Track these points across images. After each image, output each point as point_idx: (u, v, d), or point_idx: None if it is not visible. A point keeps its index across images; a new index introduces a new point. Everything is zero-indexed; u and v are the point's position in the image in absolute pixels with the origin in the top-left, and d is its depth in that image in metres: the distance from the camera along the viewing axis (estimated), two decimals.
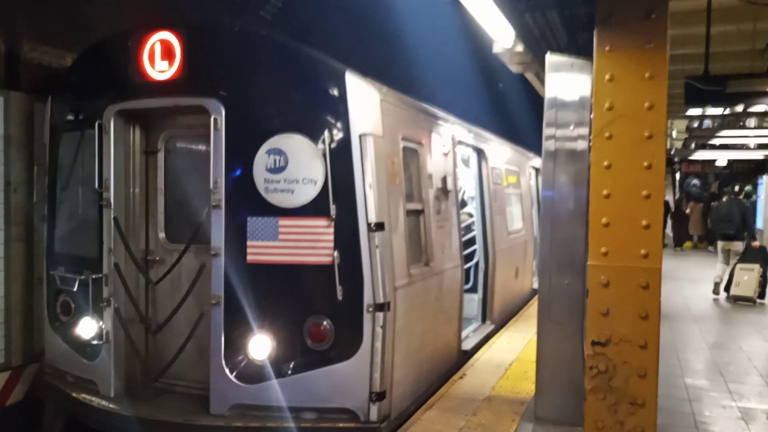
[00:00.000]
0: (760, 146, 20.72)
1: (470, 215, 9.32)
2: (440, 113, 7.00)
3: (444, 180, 6.66)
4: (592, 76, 4.51)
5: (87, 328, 5.51)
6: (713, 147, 20.50)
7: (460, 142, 7.52)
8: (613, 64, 4.38)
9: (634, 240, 4.37)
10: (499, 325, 8.97)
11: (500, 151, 9.72)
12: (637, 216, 4.36)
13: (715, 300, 12.39)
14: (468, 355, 7.39)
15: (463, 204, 9.56)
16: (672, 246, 22.93)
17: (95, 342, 5.47)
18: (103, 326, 5.44)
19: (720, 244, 13.03)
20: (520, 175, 11.19)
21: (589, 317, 4.50)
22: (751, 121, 18.80)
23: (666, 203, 21.84)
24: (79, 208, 5.79)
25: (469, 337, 7.92)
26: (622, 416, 4.45)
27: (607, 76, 4.39)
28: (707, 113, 14.46)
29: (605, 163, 4.41)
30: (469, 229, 9.07)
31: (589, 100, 4.87)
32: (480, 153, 8.60)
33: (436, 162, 6.51)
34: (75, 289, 5.55)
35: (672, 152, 23.63)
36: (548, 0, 5.67)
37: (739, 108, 11.31)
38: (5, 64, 6.38)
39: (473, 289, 8.77)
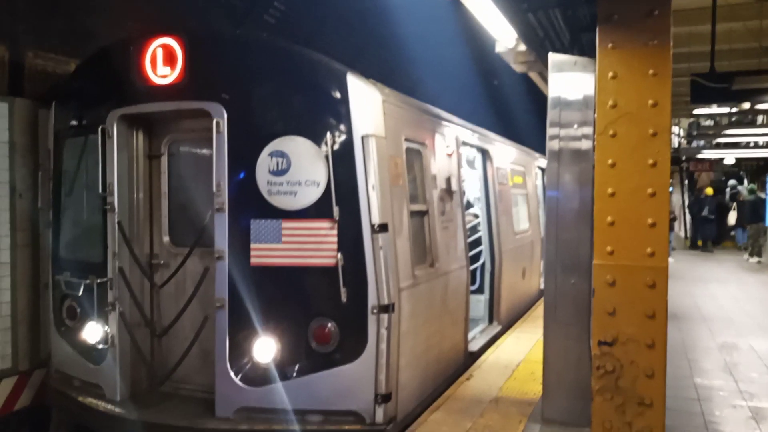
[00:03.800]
0: None
1: (476, 216, 9.28)
2: (443, 114, 6.97)
3: (448, 181, 6.63)
4: (595, 74, 4.47)
5: (92, 332, 5.52)
6: (721, 145, 20.37)
7: (464, 143, 7.50)
8: (616, 62, 4.34)
9: (640, 239, 4.32)
10: (507, 326, 8.93)
11: (505, 152, 9.68)
12: (643, 214, 4.31)
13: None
14: (475, 356, 7.35)
15: (469, 205, 9.52)
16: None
17: (101, 346, 5.48)
18: (109, 330, 5.46)
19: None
20: (526, 175, 11.14)
21: (595, 317, 4.45)
22: (759, 119, 18.64)
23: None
24: (84, 213, 5.81)
25: (476, 338, 7.88)
26: (629, 417, 4.40)
27: (610, 74, 4.35)
28: (715, 112, 14.51)
29: (609, 162, 4.37)
30: (474, 230, 9.04)
31: (592, 98, 4.83)
32: (485, 153, 8.57)
33: (439, 163, 6.48)
34: (80, 293, 5.56)
35: (679, 151, 23.44)
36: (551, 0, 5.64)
37: (746, 105, 11.27)
38: (9, 71, 6.43)
39: (480, 290, 8.74)
